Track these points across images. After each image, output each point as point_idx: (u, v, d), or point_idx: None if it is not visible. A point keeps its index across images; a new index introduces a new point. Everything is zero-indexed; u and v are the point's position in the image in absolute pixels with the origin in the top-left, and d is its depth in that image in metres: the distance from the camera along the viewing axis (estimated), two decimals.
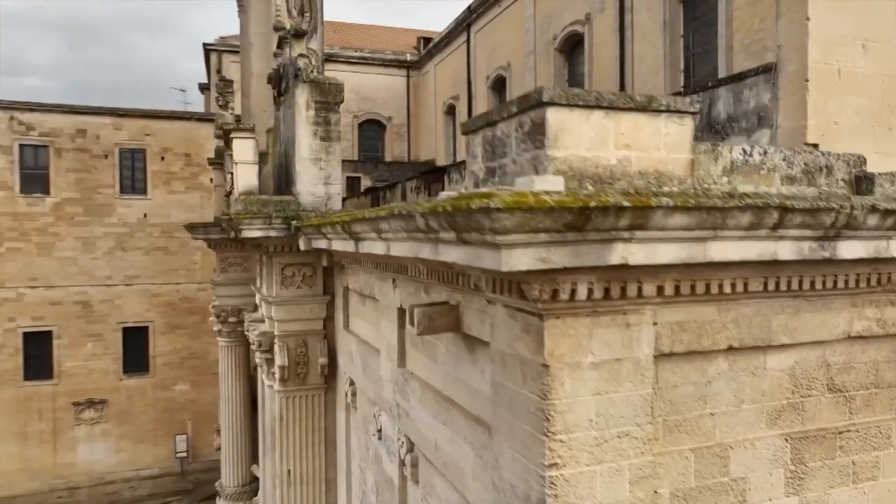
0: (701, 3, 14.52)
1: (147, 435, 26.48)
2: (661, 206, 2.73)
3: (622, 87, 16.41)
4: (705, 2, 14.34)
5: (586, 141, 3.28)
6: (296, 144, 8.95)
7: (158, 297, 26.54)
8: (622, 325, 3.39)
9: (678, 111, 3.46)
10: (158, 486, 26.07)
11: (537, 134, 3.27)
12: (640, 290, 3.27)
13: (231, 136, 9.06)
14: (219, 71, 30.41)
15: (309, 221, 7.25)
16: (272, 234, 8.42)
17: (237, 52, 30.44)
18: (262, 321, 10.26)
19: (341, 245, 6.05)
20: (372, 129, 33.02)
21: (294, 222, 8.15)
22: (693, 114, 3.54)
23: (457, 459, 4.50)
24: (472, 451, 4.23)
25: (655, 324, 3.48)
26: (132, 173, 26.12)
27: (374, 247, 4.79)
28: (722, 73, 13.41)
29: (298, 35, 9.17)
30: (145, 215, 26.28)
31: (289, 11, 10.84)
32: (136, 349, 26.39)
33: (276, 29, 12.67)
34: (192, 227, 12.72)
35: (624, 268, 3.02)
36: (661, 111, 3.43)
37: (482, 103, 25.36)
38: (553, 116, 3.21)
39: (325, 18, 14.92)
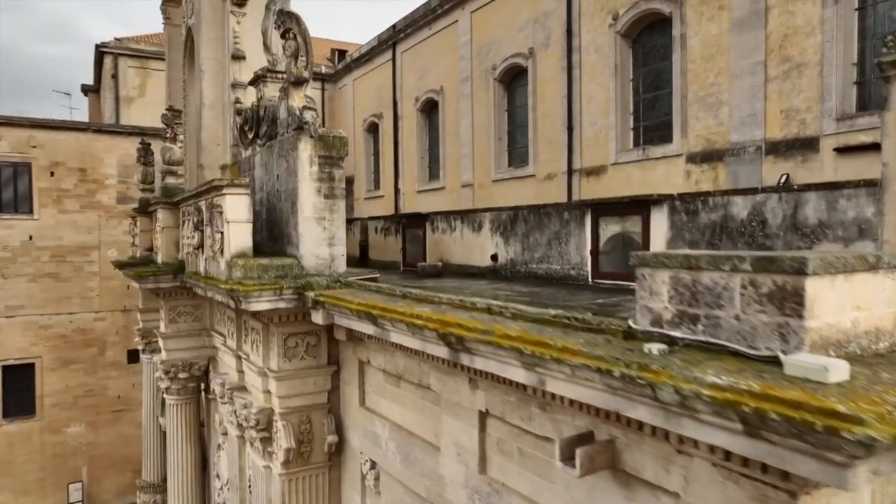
0: (651, 51, 15.18)
1: (32, 486, 23.44)
2: None
3: (570, 125, 16.80)
4: (656, 50, 15.01)
5: (831, 307, 3.17)
6: (298, 202, 8.20)
7: (47, 329, 23.60)
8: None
9: (894, 267, 3.45)
10: None
11: (788, 301, 3.10)
12: None
13: (224, 191, 8.11)
14: (114, 76, 27.84)
15: (347, 303, 6.61)
16: (281, 305, 7.65)
17: (139, 57, 27.95)
18: (247, 391, 9.32)
19: (417, 344, 5.54)
20: None
21: (311, 294, 7.44)
22: None
23: None
24: None
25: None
26: (14, 190, 23.03)
27: (505, 370, 4.40)
28: (676, 120, 14.11)
29: (298, 83, 8.40)
30: (31, 237, 23.26)
31: (266, 48, 9.99)
32: (19, 389, 23.28)
33: (235, 58, 11.69)
34: (140, 276, 11.30)
35: None
36: (882, 268, 3.40)
37: (410, 124, 24.96)
38: (810, 286, 3.06)
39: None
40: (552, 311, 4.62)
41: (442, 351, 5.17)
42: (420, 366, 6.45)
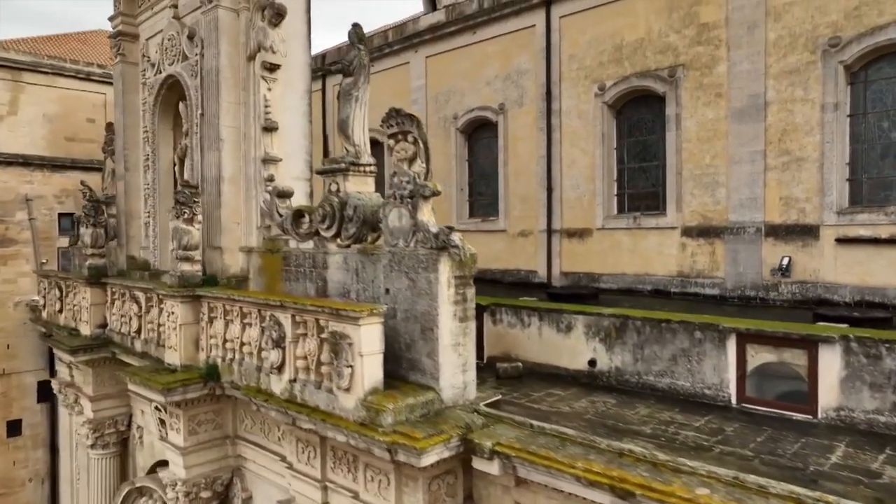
0: (637, 123, 15.92)
1: None
2: None
3: (549, 185, 17.07)
4: (643, 123, 15.77)
5: None
6: (437, 329, 7.47)
7: None
8: None
9: None
10: None
11: None
12: None
13: (361, 322, 7.11)
14: None
15: (564, 466, 6.09)
16: (446, 455, 6.92)
17: (9, 68, 23.60)
18: None
19: None
20: None
21: (487, 444, 6.80)
22: None
23: None
24: None
25: None
26: None
27: None
28: (671, 195, 14.93)
29: (428, 196, 7.63)
30: None
31: (347, 137, 9.03)
32: None
33: (267, 129, 10.52)
34: (168, 388, 9.43)
35: None
36: None
37: None
38: None
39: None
40: None
41: None
42: None
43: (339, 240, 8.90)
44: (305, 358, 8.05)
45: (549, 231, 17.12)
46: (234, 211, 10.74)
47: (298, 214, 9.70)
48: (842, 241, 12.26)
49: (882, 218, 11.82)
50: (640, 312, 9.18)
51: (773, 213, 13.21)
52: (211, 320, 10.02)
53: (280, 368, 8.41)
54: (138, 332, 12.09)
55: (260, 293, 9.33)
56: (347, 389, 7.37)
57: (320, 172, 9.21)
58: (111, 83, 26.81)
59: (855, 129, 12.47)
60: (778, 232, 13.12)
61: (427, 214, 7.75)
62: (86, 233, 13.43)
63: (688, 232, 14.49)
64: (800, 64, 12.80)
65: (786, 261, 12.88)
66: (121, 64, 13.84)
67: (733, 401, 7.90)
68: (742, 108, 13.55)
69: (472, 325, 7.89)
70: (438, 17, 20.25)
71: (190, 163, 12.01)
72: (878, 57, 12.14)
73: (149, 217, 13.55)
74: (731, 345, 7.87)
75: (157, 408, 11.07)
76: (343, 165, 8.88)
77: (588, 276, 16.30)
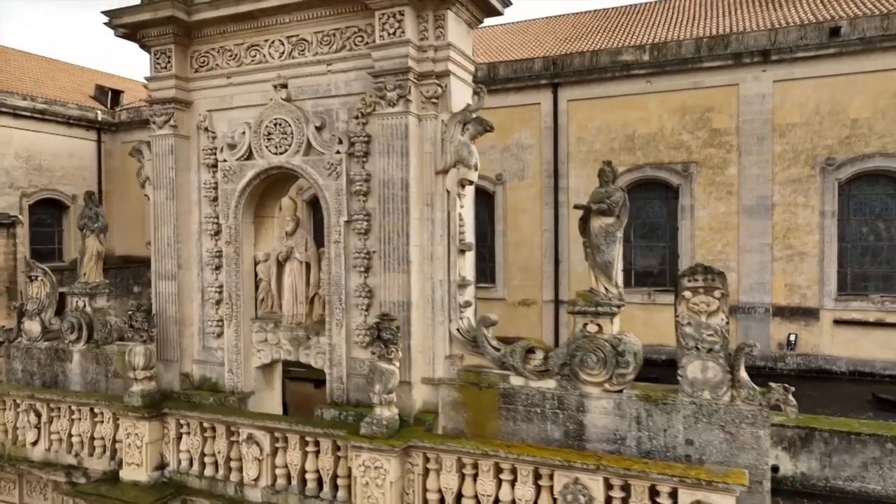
0: (644, 205, 17.52)
1: None
2: None
3: (556, 258, 17.84)
4: (650, 206, 17.43)
5: None
6: (766, 482, 7.90)
7: None
8: None
9: None
10: None
11: None
12: None
13: (738, 493, 7.17)
14: None
15: None
16: None
17: None
18: None
19: None
20: (48, 214, 22.95)
21: None
22: None
23: None
24: None
25: None
26: None
27: None
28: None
29: (750, 354, 8.00)
30: None
31: (609, 279, 8.90)
32: None
33: (463, 251, 9.94)
34: None
35: None
36: None
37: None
38: None
39: None
40: None
41: None
42: None
43: (607, 384, 8.69)
44: None
45: (557, 301, 17.94)
46: (420, 340, 9.64)
47: (529, 350, 9.17)
48: (839, 322, 15.27)
49: (870, 305, 15.05)
50: (825, 423, 10.52)
51: (779, 296, 15.82)
52: (427, 471, 8.89)
53: None
54: (256, 479, 10.00)
55: (530, 447, 8.58)
56: None
57: (577, 313, 8.83)
58: None
59: (841, 231, 15.62)
60: (784, 312, 15.76)
61: (744, 372, 8.09)
62: (137, 351, 10.44)
63: None
64: (801, 175, 15.59)
65: (793, 337, 15.57)
66: (173, 137, 11.10)
67: None
68: (752, 206, 15.96)
69: None
70: None
71: (312, 274, 10.46)
72: (859, 176, 15.39)
73: (218, 326, 11.24)
74: None
75: None
76: (613, 309, 8.70)
77: None
